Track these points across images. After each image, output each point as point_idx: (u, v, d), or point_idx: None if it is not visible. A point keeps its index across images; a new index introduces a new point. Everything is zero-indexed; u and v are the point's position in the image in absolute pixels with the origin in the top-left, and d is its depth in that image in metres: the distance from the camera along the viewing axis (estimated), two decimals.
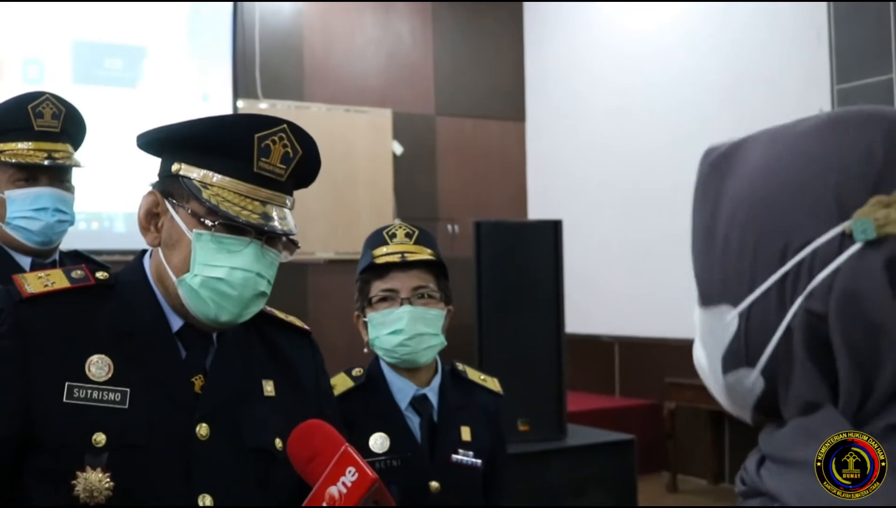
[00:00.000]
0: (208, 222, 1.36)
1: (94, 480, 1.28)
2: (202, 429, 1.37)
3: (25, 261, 2.45)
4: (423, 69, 8.00)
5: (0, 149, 2.41)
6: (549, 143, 8.20)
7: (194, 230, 1.37)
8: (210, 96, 6.96)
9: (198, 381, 1.40)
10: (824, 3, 5.88)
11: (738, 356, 0.81)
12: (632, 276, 7.22)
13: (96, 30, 6.61)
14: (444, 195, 8.00)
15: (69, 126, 2.49)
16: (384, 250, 2.07)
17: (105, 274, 1.45)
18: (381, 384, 2.08)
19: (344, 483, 1.21)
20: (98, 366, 1.34)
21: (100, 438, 1.30)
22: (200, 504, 1.34)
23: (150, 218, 1.43)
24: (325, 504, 1.21)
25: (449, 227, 7.92)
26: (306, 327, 1.65)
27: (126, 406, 1.33)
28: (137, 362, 1.37)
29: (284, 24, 7.40)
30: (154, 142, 1.45)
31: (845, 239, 0.74)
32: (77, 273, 1.43)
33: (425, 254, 2.07)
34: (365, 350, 2.13)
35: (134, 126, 1.51)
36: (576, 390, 6.99)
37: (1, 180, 2.43)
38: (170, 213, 1.40)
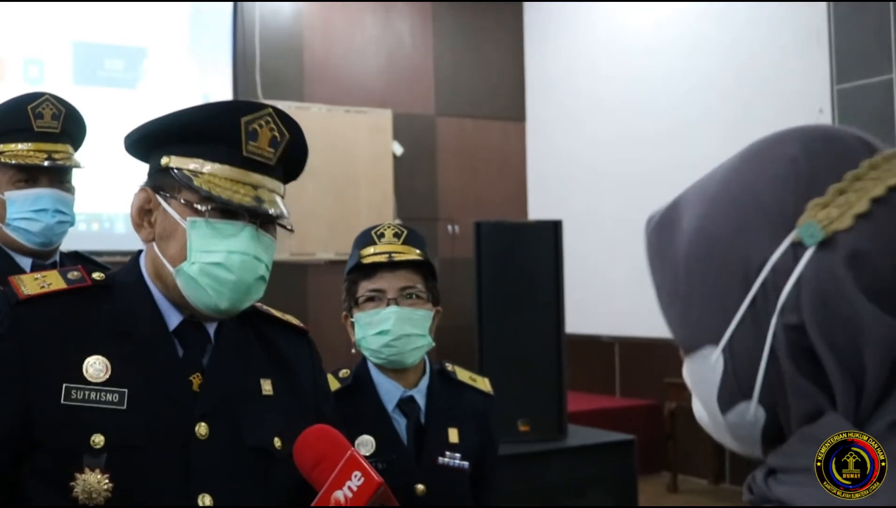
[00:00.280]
0: (201, 208, 1.36)
1: (92, 481, 1.28)
2: (201, 428, 1.37)
3: (26, 262, 2.44)
4: (423, 69, 8.00)
5: (0, 150, 2.40)
6: (549, 143, 8.20)
7: (188, 218, 1.37)
8: (210, 97, 6.96)
9: (196, 380, 1.40)
10: (824, 3, 5.88)
11: (732, 391, 0.82)
12: (632, 276, 7.20)
13: (97, 30, 6.61)
14: (444, 196, 8.00)
15: (69, 127, 2.49)
16: (372, 249, 2.06)
17: (101, 275, 1.44)
18: (367, 385, 2.06)
19: (350, 488, 1.21)
20: (95, 367, 1.34)
21: (98, 439, 1.29)
22: (200, 503, 1.34)
23: (143, 215, 1.43)
24: None
25: (449, 227, 7.93)
26: (303, 325, 1.65)
27: (124, 407, 1.32)
28: (135, 362, 1.37)
29: (284, 25, 7.40)
30: (141, 139, 1.45)
31: (798, 248, 0.76)
32: (73, 274, 1.43)
33: (413, 254, 2.05)
34: (353, 351, 2.12)
35: (134, 127, 1.50)
36: (576, 390, 6.99)
37: (1, 182, 2.42)
38: (162, 206, 1.40)
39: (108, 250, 5.45)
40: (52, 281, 1.40)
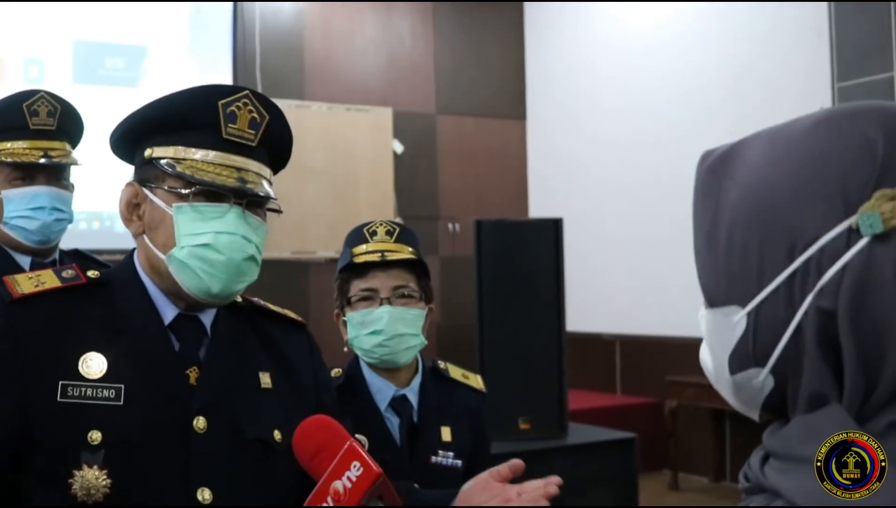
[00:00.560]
0: (185, 193, 1.37)
1: (90, 478, 1.28)
2: (199, 422, 1.36)
3: (25, 261, 2.43)
4: (423, 68, 8.00)
5: None
6: (550, 141, 8.20)
7: (174, 204, 1.37)
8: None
9: (192, 373, 1.40)
10: (825, 2, 5.88)
11: (745, 355, 0.81)
12: (633, 274, 7.22)
13: (97, 29, 6.62)
14: (444, 194, 8.00)
15: (65, 124, 2.47)
16: (364, 248, 2.04)
17: (96, 273, 1.45)
18: (360, 384, 2.05)
19: (349, 478, 1.21)
20: (91, 364, 1.34)
21: (95, 436, 1.29)
22: (199, 497, 1.33)
23: (132, 209, 1.43)
24: (329, 499, 1.21)
25: (450, 225, 7.93)
26: (301, 319, 1.64)
27: (121, 403, 1.32)
28: (131, 357, 1.36)
29: (285, 24, 7.40)
30: (123, 136, 1.45)
31: (852, 234, 0.74)
32: (68, 273, 1.43)
33: (406, 253, 2.04)
34: (345, 349, 2.11)
35: (115, 126, 1.50)
36: (577, 388, 6.99)
37: None
38: (149, 198, 1.40)
39: (109, 249, 5.45)
40: (47, 280, 1.40)
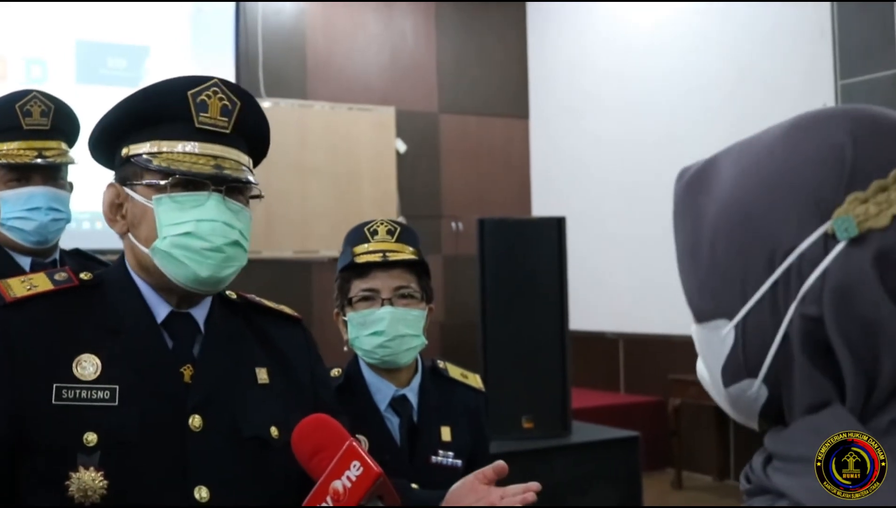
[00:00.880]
0: (163, 184, 1.37)
1: (87, 479, 1.28)
2: (195, 420, 1.36)
3: (25, 261, 2.42)
4: (426, 67, 7.99)
5: None
6: (552, 140, 8.19)
7: (153, 197, 1.37)
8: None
9: (187, 371, 1.39)
10: (828, 0, 5.87)
11: (737, 367, 0.81)
12: (636, 273, 7.22)
13: (99, 29, 6.62)
14: (447, 193, 8.00)
15: (60, 123, 2.44)
16: (365, 247, 2.03)
17: (89, 274, 1.45)
18: (359, 384, 2.04)
19: (349, 478, 1.20)
20: (85, 365, 1.34)
21: (91, 437, 1.29)
22: (196, 496, 1.33)
23: (115, 209, 1.44)
24: (329, 499, 1.21)
25: (453, 224, 7.92)
26: (296, 314, 1.64)
27: (116, 403, 1.32)
28: (125, 357, 1.36)
29: (287, 23, 7.40)
30: (99, 140, 1.45)
31: (829, 240, 0.74)
32: (60, 275, 1.43)
33: (407, 253, 2.03)
34: (345, 349, 2.10)
35: (90, 132, 1.50)
36: (580, 387, 6.98)
37: None
38: (130, 195, 1.41)
39: (112, 249, 5.44)
40: (39, 283, 1.40)
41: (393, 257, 2.01)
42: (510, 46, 8.38)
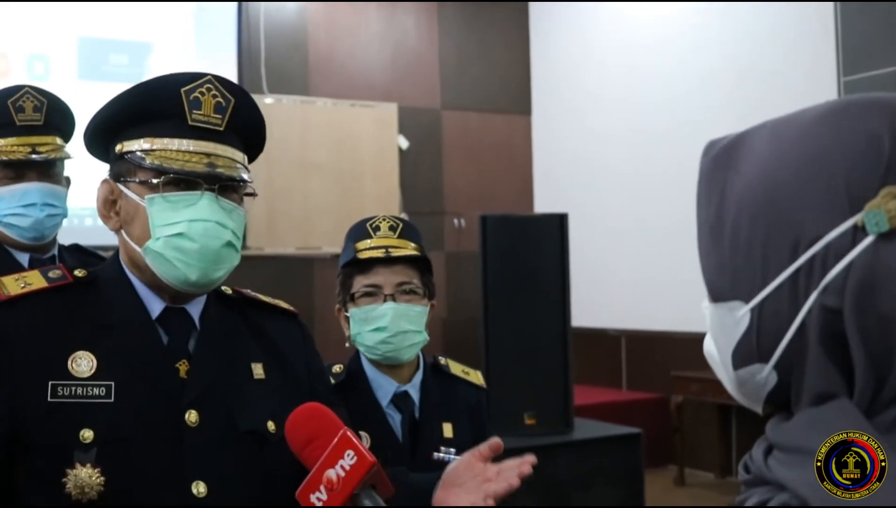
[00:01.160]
0: (155, 182, 1.36)
1: (84, 476, 1.27)
2: (191, 416, 1.36)
3: (24, 257, 2.41)
4: (428, 63, 7.99)
5: None
6: (555, 136, 8.19)
7: (146, 197, 1.37)
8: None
9: (182, 366, 1.39)
10: None
11: (749, 351, 0.80)
12: (638, 269, 7.21)
13: (102, 26, 6.62)
14: (449, 189, 8.00)
15: (53, 118, 2.42)
16: (368, 243, 2.03)
17: (83, 271, 1.45)
18: (361, 381, 2.04)
19: (342, 467, 1.20)
20: (80, 362, 1.33)
21: (87, 434, 1.29)
22: (194, 491, 1.33)
23: (109, 206, 1.43)
24: (322, 487, 1.20)
25: (455, 221, 7.92)
26: (292, 308, 1.63)
27: (111, 400, 1.32)
28: (120, 354, 1.36)
29: (289, 19, 7.40)
30: (95, 133, 1.45)
31: (858, 232, 0.73)
32: (54, 273, 1.43)
33: (409, 249, 2.02)
34: (347, 345, 2.10)
35: (85, 126, 1.50)
36: (582, 383, 6.99)
37: None
38: (123, 192, 1.40)
39: (114, 246, 5.45)
40: (33, 281, 1.40)
41: (395, 252, 2.01)
42: (512, 43, 8.37)
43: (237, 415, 1.40)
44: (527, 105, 8.43)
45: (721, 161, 0.84)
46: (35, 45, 6.39)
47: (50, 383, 1.31)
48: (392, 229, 2.05)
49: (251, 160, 1.50)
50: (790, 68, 6.10)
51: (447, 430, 2.05)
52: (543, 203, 8.18)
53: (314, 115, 7.33)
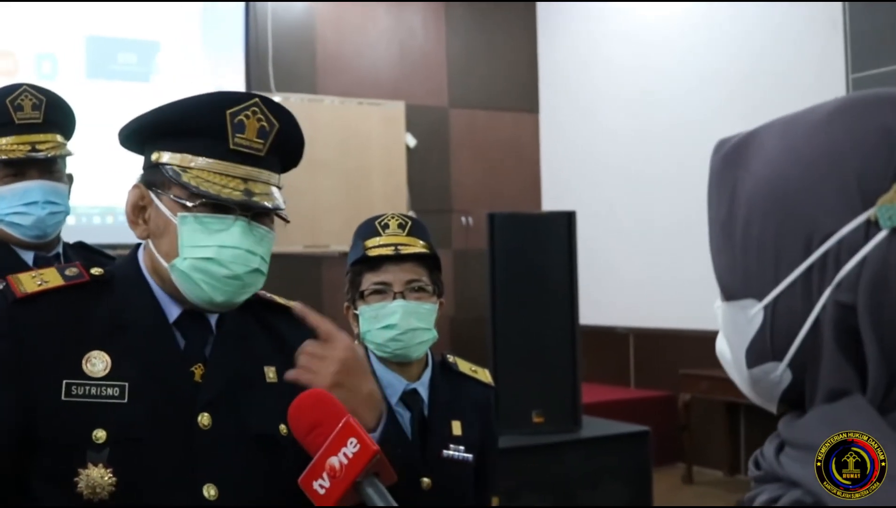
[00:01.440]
0: (190, 204, 1.35)
1: (96, 476, 1.28)
2: (204, 419, 1.36)
3: (28, 256, 2.40)
4: (436, 61, 7.98)
5: None
6: (562, 134, 8.18)
7: (178, 214, 1.36)
8: (223, 90, 6.97)
9: (198, 370, 1.39)
10: None
11: (763, 349, 0.79)
12: (646, 267, 7.20)
13: (110, 25, 6.63)
14: (457, 187, 7.99)
15: (53, 115, 2.41)
16: (377, 241, 2.02)
17: (100, 270, 1.44)
18: None
19: (345, 454, 1.19)
20: (95, 362, 1.33)
21: (100, 434, 1.29)
22: (205, 494, 1.33)
23: (137, 211, 1.43)
24: (325, 475, 1.20)
25: (463, 219, 7.92)
26: None
27: (125, 401, 1.32)
28: (135, 355, 1.36)
29: (297, 18, 7.40)
30: (133, 134, 1.44)
31: (871, 227, 0.72)
32: (71, 271, 1.42)
33: (419, 246, 2.02)
34: (356, 343, 2.10)
35: (126, 123, 1.49)
36: (590, 381, 6.98)
37: None
38: (154, 202, 1.40)
39: (122, 243, 5.46)
40: (50, 278, 1.39)
41: (405, 250, 2.00)
42: (520, 41, 8.36)
43: (249, 419, 1.41)
44: (534, 103, 8.42)
45: (731, 159, 0.83)
46: (43, 44, 6.40)
47: (64, 382, 1.31)
48: (401, 226, 2.05)
49: (284, 172, 1.49)
50: (798, 66, 6.08)
51: (456, 428, 2.05)
52: (551, 201, 8.17)
53: (322, 113, 7.33)
